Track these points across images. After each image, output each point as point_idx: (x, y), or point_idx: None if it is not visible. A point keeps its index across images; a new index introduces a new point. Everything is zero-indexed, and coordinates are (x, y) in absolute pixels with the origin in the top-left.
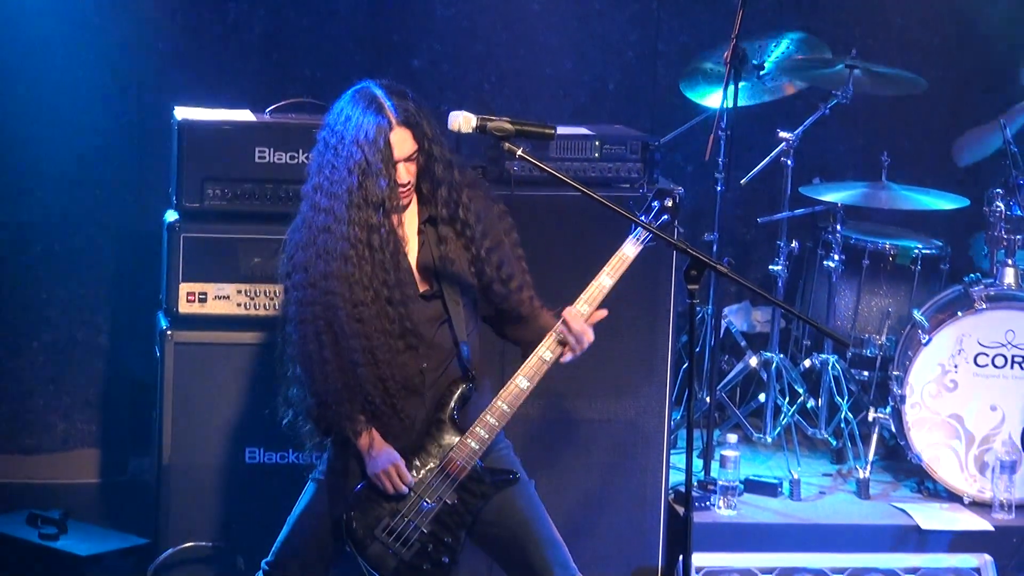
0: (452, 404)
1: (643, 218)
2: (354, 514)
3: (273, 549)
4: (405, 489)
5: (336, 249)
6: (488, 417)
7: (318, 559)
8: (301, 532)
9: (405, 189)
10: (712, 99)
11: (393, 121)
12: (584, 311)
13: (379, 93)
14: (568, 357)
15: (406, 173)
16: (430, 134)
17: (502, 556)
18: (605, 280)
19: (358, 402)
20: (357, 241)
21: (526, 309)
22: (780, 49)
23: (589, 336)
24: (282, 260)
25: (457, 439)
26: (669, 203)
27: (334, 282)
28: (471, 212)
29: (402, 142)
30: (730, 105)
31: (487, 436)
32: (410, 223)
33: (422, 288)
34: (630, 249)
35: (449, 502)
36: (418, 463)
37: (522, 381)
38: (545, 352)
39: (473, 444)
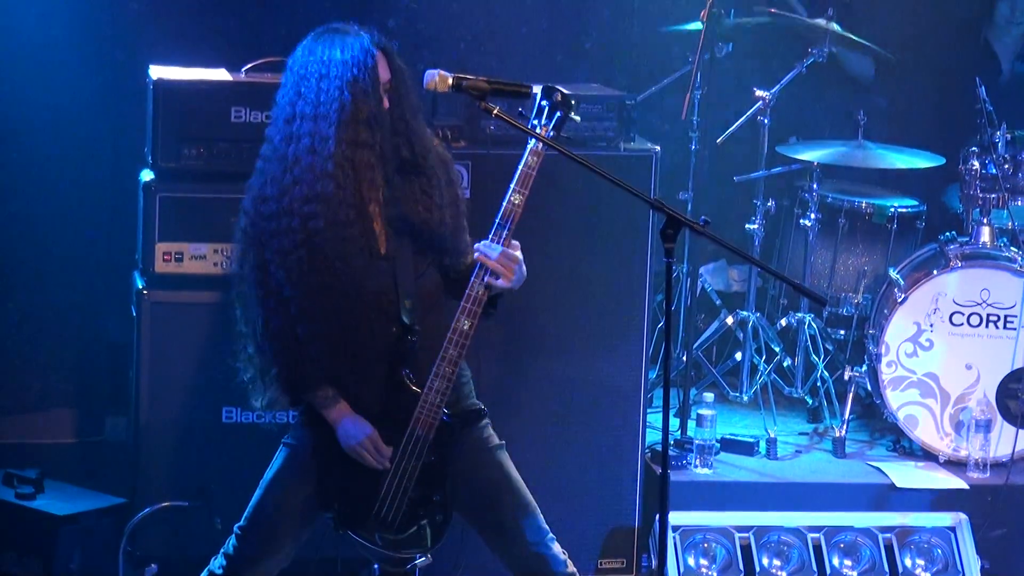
0: (401, 361)
1: (536, 121)
2: (339, 505)
3: (245, 513)
4: (385, 463)
5: (323, 169)
6: (441, 367)
7: (291, 524)
8: (273, 497)
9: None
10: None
11: (372, 41)
12: (502, 236)
13: (345, 24)
14: (504, 283)
15: (384, 99)
16: (403, 72)
17: (474, 518)
18: (516, 198)
19: (324, 361)
20: (347, 160)
21: (465, 268)
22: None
23: (514, 257)
24: (242, 213)
25: (416, 396)
26: (559, 97)
27: (316, 204)
28: (432, 162)
29: (382, 66)
30: (705, 64)
31: (445, 386)
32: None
33: (382, 248)
34: (532, 160)
35: (428, 460)
36: (387, 430)
37: (463, 322)
38: (478, 288)
39: (434, 398)
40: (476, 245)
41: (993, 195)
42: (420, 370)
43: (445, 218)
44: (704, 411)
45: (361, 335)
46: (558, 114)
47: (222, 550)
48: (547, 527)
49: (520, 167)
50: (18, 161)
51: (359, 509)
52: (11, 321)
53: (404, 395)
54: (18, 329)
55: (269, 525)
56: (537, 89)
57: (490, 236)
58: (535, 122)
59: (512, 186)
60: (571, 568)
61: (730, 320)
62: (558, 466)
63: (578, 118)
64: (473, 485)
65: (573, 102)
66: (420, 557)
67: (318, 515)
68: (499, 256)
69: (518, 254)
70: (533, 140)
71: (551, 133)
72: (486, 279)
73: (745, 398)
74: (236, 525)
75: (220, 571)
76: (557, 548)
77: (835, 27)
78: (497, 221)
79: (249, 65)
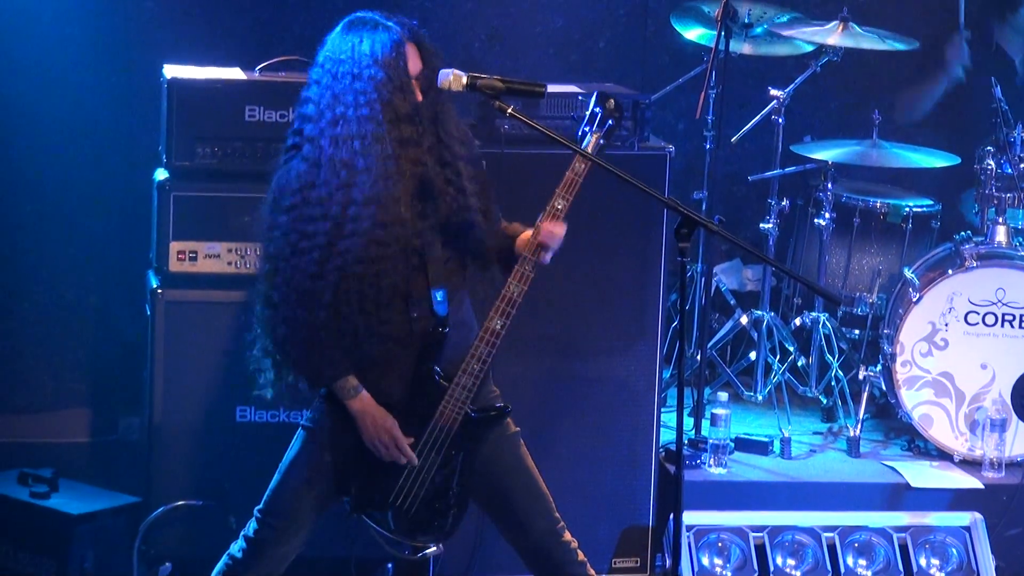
0: (431, 355)
1: (587, 128)
2: (357, 490)
3: (264, 497)
4: (403, 457)
5: (378, 170)
6: (470, 364)
7: (310, 507)
8: (292, 479)
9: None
10: (694, 33)
11: (402, 35)
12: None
13: (375, 15)
14: (546, 258)
15: (417, 91)
16: (436, 58)
17: (488, 504)
18: (559, 203)
19: (351, 351)
20: (399, 158)
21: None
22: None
23: (559, 231)
24: (269, 207)
25: (444, 390)
26: (611, 104)
27: (375, 206)
28: (458, 151)
29: (413, 57)
30: (720, 63)
31: (472, 383)
32: None
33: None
34: (579, 166)
35: (447, 454)
36: (410, 421)
37: (496, 321)
38: (513, 289)
39: (460, 394)
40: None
41: (1009, 194)
42: (447, 364)
43: (473, 204)
44: (718, 410)
45: (390, 327)
46: (609, 122)
47: (242, 533)
48: (559, 516)
49: (568, 172)
50: (32, 160)
51: (376, 495)
52: (26, 320)
53: (430, 387)
54: (32, 328)
55: (289, 507)
56: (589, 95)
57: (533, 231)
58: (586, 128)
59: (557, 191)
60: (581, 557)
61: (744, 319)
62: (572, 465)
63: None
64: (488, 471)
65: (622, 111)
66: (432, 546)
67: (336, 497)
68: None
69: (559, 230)
70: (584, 144)
71: (602, 140)
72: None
73: (759, 397)
74: (256, 508)
75: (240, 555)
76: (568, 537)
77: (854, 26)
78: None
79: (263, 64)
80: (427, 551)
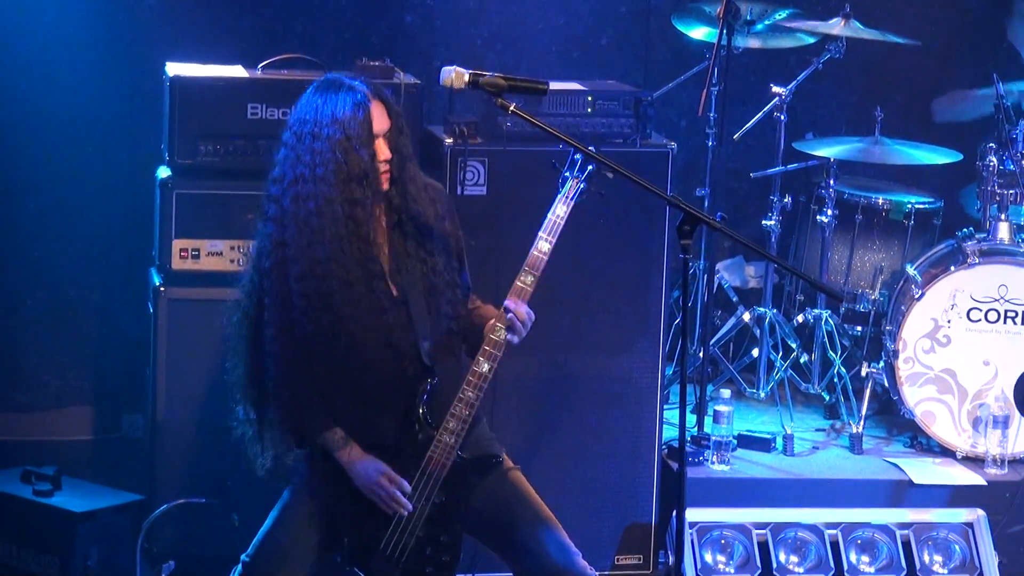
0: (419, 402)
1: (567, 173)
2: (349, 540)
3: (253, 543)
4: (403, 500)
5: (330, 231)
6: (458, 408)
7: (297, 562)
8: (280, 534)
9: (385, 167)
10: (698, 32)
11: (367, 94)
12: (528, 283)
13: (342, 76)
14: (515, 340)
15: (385, 148)
16: (400, 118)
17: (496, 543)
18: (543, 245)
19: (334, 405)
20: (348, 219)
21: (466, 311)
22: (774, 16)
23: (530, 317)
24: (246, 276)
25: (432, 437)
26: (592, 149)
27: (332, 265)
28: (432, 215)
29: (379, 116)
30: (722, 59)
31: (460, 428)
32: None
33: (394, 291)
34: (561, 209)
35: (438, 501)
36: (399, 469)
37: (483, 365)
38: (500, 333)
39: (448, 439)
40: (506, 302)
41: (1011, 191)
42: (436, 410)
43: (439, 267)
44: (721, 407)
45: (377, 378)
46: (590, 167)
47: None
48: (570, 542)
49: (549, 215)
50: (35, 159)
51: (367, 545)
52: (28, 318)
53: (419, 435)
54: (35, 326)
55: (275, 561)
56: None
57: (516, 280)
58: (567, 174)
59: (540, 233)
60: None
61: (747, 316)
62: (575, 462)
63: (611, 175)
64: (489, 510)
65: (600, 175)
66: None
67: (324, 556)
68: (524, 317)
69: (524, 316)
70: (564, 188)
71: (583, 184)
72: (507, 335)
73: (762, 394)
74: (243, 555)
75: None
76: (582, 563)
77: (855, 23)
78: (523, 268)
79: (265, 62)
80: None
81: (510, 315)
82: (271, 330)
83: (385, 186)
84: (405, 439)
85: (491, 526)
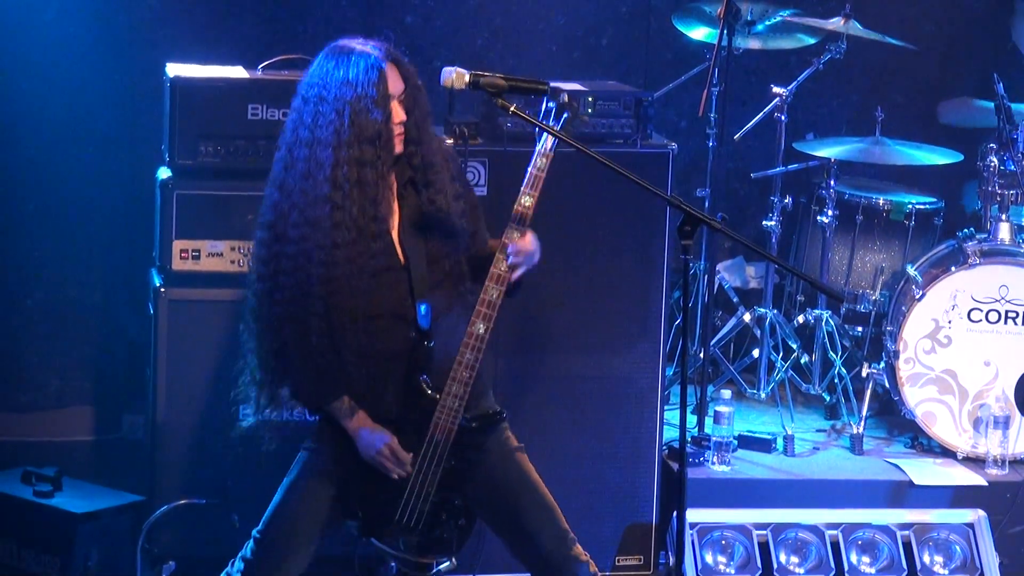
0: (420, 367)
1: (544, 122)
2: (364, 513)
3: (264, 518)
4: (405, 470)
5: (316, 194)
6: (458, 371)
7: (308, 530)
8: (292, 503)
9: (399, 128)
10: (698, 33)
11: (380, 56)
12: (515, 236)
13: (355, 41)
14: (519, 272)
15: (400, 111)
16: (415, 78)
17: (495, 521)
18: (526, 200)
19: (341, 373)
20: (344, 180)
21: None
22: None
23: (529, 245)
24: (256, 238)
25: (435, 401)
26: (565, 99)
27: (306, 228)
28: (438, 163)
29: (393, 78)
30: (723, 59)
31: (462, 390)
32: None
33: (400, 254)
34: (540, 162)
35: (447, 465)
36: (405, 437)
37: (479, 326)
38: (492, 291)
39: (451, 403)
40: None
41: (1012, 191)
42: (437, 375)
43: (453, 207)
44: (721, 408)
45: (378, 344)
46: (565, 114)
47: (240, 554)
48: (568, 528)
49: (529, 168)
50: (35, 159)
51: (382, 515)
52: (29, 319)
53: (422, 401)
54: (36, 327)
55: (288, 531)
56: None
57: (503, 236)
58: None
59: (522, 188)
60: (593, 569)
61: (747, 317)
62: (575, 463)
63: (586, 118)
64: (493, 488)
65: (578, 103)
66: (445, 561)
67: (339, 522)
68: (514, 256)
69: (528, 244)
70: (542, 141)
71: (555, 142)
72: (507, 279)
73: (763, 395)
74: (254, 530)
75: (238, 575)
76: (579, 550)
77: (855, 24)
78: (509, 223)
79: (266, 63)
80: (440, 567)
81: (508, 253)
82: (275, 296)
83: (399, 148)
84: (410, 406)
85: (493, 506)
